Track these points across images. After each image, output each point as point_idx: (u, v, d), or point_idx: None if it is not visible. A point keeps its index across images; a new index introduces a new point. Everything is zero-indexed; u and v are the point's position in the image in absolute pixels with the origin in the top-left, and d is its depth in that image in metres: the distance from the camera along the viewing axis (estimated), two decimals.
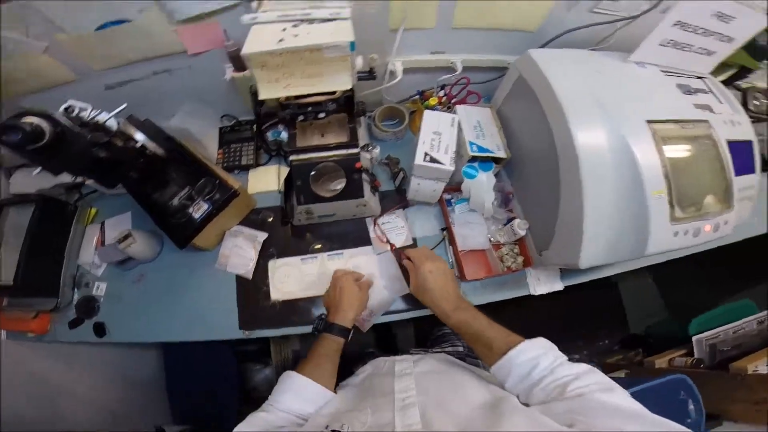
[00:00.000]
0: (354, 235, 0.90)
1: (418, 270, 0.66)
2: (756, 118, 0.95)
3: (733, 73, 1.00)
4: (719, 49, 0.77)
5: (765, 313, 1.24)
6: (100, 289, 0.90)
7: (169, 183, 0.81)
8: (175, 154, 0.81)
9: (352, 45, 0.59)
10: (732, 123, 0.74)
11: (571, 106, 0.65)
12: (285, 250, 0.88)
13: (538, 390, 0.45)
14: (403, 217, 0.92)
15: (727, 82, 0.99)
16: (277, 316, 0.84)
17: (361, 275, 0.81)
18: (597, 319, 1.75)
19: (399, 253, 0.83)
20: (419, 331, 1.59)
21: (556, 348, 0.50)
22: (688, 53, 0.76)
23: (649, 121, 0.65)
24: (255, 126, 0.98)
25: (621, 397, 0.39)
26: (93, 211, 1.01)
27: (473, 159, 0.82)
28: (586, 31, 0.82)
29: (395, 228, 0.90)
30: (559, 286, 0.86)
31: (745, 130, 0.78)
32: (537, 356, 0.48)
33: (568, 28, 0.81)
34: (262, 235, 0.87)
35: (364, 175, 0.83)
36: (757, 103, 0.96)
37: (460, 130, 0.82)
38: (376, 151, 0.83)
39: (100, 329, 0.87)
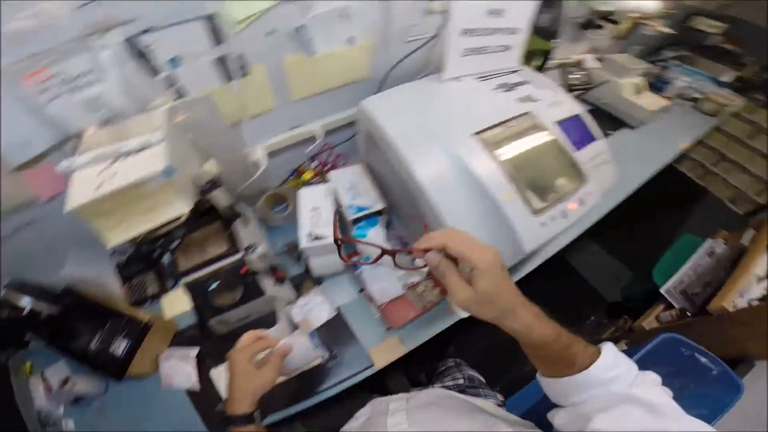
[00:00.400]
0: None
1: (487, 259, 0.40)
2: (582, 89, 1.05)
3: (542, 58, 1.11)
4: (511, 42, 0.85)
5: (708, 243, 1.32)
6: (68, 424, 0.85)
7: (80, 331, 0.80)
8: (72, 306, 0.80)
9: (168, 170, 0.56)
10: (555, 104, 0.81)
11: (405, 144, 0.69)
12: (221, 356, 0.86)
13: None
14: (321, 293, 0.91)
15: (542, 68, 1.09)
16: None
17: (266, 346, 0.61)
18: (574, 302, 1.78)
19: (411, 251, 0.45)
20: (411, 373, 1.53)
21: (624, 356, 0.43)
22: (489, 55, 0.84)
23: (476, 133, 0.70)
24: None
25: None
26: (27, 365, 0.94)
27: (358, 219, 0.83)
28: (411, 61, 0.89)
29: (316, 306, 0.89)
30: None
31: (569, 107, 0.85)
32: (615, 364, 0.41)
33: (391, 66, 0.88)
34: (194, 350, 0.87)
35: (258, 276, 0.82)
36: (573, 76, 1.07)
37: (337, 197, 0.85)
38: (260, 249, 0.81)
39: None
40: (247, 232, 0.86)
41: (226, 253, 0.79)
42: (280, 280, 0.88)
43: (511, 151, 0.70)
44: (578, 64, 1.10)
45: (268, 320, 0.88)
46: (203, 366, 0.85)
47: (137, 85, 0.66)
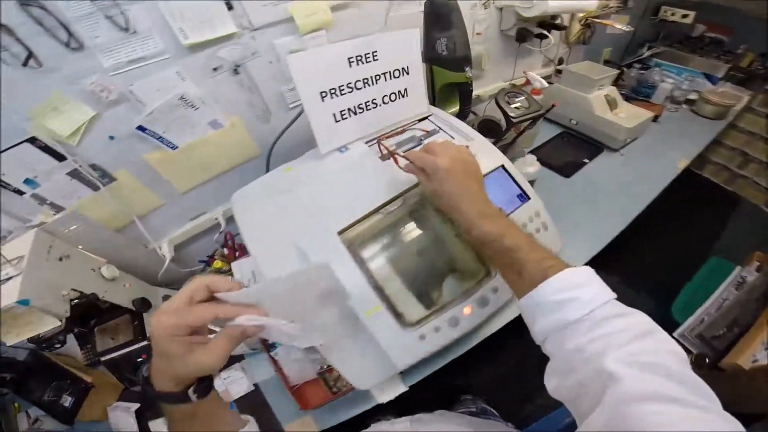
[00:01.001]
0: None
1: (434, 165, 0.49)
2: (529, 119, 0.83)
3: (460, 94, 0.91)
4: (405, 84, 0.71)
5: (736, 271, 1.03)
6: None
7: (37, 387, 0.90)
8: (35, 366, 0.89)
9: (23, 302, 0.59)
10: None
11: (260, 252, 0.60)
12: (157, 412, 0.94)
13: (570, 333, 0.34)
14: (240, 369, 0.92)
15: (464, 106, 0.90)
16: None
17: (215, 316, 0.35)
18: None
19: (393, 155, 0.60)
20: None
21: (602, 282, 0.37)
22: (379, 109, 0.70)
23: (339, 233, 0.59)
24: None
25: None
26: (16, 405, 1.05)
27: None
28: (303, 128, 0.78)
29: (236, 380, 0.91)
30: (402, 388, 0.78)
31: (492, 156, 0.70)
32: (577, 285, 0.36)
33: (273, 140, 0.78)
34: (134, 405, 0.95)
35: None
36: (514, 106, 0.84)
37: None
38: None
39: None
40: None
41: (132, 342, 0.83)
42: None
43: (386, 248, 0.59)
44: (519, 89, 0.87)
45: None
46: (142, 418, 0.93)
47: (11, 204, 0.68)
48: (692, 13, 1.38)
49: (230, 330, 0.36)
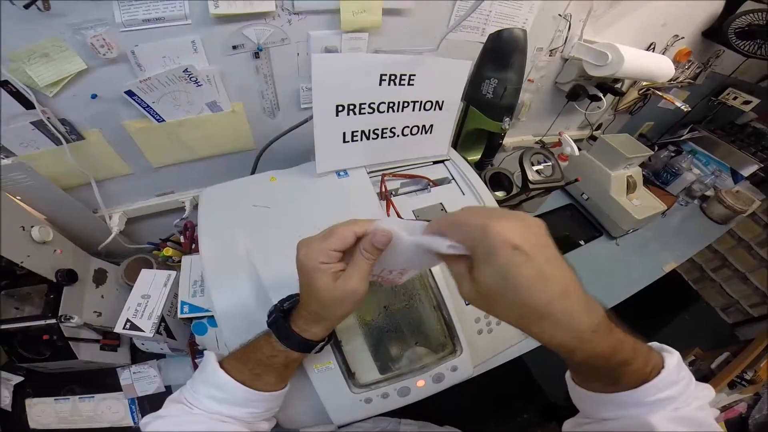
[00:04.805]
0: (105, 382, 0.83)
1: (496, 240, 0.26)
2: (545, 188, 0.77)
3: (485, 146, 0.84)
4: (432, 119, 0.64)
5: None
6: None
7: None
8: None
9: None
10: None
11: (209, 260, 0.53)
12: (41, 392, 0.88)
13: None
14: (156, 367, 0.83)
15: (485, 157, 0.83)
16: None
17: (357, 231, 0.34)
18: (508, 393, 1.48)
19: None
20: None
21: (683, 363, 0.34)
22: (395, 140, 0.63)
23: None
24: None
25: None
26: None
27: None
28: (305, 137, 0.70)
29: (146, 377, 0.83)
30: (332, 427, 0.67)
31: None
32: (671, 384, 0.31)
33: (271, 138, 0.70)
34: (17, 379, 0.87)
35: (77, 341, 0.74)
36: (537, 168, 0.78)
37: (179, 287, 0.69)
38: (75, 320, 0.71)
39: None
40: (76, 297, 0.76)
41: (39, 316, 0.71)
42: (109, 347, 0.81)
43: None
44: (548, 150, 0.81)
45: (97, 376, 0.84)
46: (21, 393, 0.86)
47: None
48: (755, 102, 1.28)
49: (361, 247, 0.34)
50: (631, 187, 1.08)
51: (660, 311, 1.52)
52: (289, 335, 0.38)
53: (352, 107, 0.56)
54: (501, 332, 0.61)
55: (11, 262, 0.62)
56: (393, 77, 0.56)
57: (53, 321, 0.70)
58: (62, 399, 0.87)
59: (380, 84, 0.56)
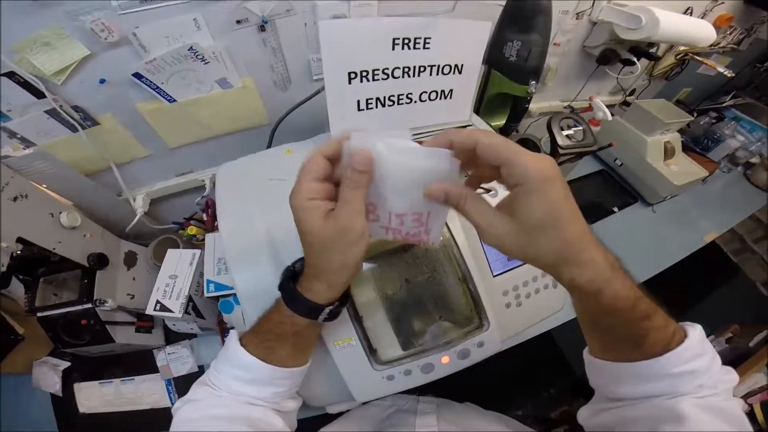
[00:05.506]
0: (144, 364, 0.88)
1: (532, 178, 0.25)
2: (576, 154, 0.71)
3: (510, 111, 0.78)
4: (452, 84, 0.59)
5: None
6: None
7: None
8: None
9: None
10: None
11: (229, 239, 0.52)
12: (87, 376, 0.95)
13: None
14: (188, 347, 0.86)
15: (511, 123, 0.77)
16: (91, 426, 0.86)
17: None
18: (537, 363, 1.46)
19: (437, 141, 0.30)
20: None
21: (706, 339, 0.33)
22: (412, 105, 0.59)
23: None
24: None
25: None
26: None
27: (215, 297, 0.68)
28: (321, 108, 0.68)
29: (180, 357, 0.86)
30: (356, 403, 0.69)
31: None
32: (696, 355, 0.31)
33: (285, 112, 0.67)
34: (64, 364, 0.93)
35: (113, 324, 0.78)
36: (567, 133, 0.72)
37: (204, 265, 0.70)
38: (109, 303, 0.74)
39: None
40: (109, 281, 0.79)
41: (76, 301, 0.74)
42: (143, 329, 0.84)
43: (377, 274, 0.50)
44: (578, 115, 0.75)
45: (134, 359, 0.88)
46: (69, 378, 0.91)
47: None
48: None
49: (346, 176, 0.29)
50: (669, 153, 1.02)
51: (695, 284, 1.45)
52: (294, 297, 0.35)
53: (365, 74, 0.53)
54: (531, 306, 0.58)
55: (44, 249, 0.64)
56: (407, 41, 0.52)
57: (89, 305, 0.73)
58: (106, 382, 0.91)
59: (393, 48, 0.52)
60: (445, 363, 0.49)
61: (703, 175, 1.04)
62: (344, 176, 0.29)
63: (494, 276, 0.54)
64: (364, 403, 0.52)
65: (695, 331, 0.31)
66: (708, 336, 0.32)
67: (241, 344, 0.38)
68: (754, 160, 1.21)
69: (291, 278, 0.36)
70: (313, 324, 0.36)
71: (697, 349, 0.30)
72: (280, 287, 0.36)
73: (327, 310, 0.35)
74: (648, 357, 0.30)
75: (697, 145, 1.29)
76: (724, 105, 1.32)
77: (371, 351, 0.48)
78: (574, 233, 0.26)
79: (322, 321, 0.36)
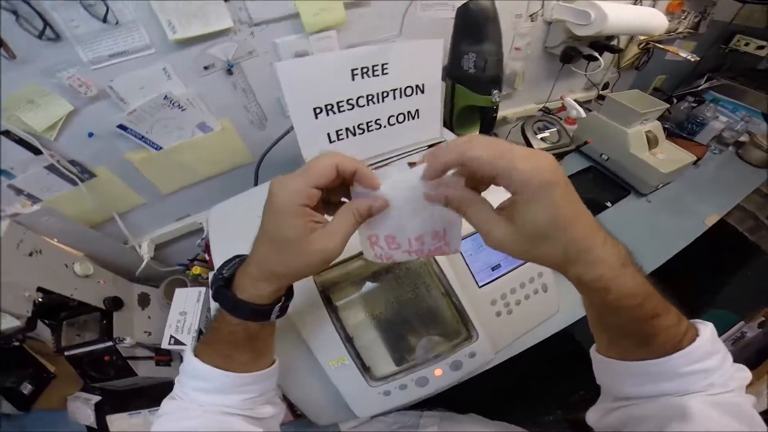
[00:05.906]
0: (166, 395, 0.92)
1: (526, 185, 0.25)
2: (556, 155, 0.71)
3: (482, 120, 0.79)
4: (419, 104, 0.61)
5: (738, 326, 0.90)
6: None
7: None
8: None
9: None
10: None
11: None
12: (117, 408, 0.99)
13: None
14: None
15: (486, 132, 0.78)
16: None
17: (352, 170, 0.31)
18: (559, 372, 1.38)
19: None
20: None
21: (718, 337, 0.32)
22: (385, 130, 0.61)
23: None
24: None
25: None
26: None
27: None
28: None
29: None
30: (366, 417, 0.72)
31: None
32: (707, 354, 0.30)
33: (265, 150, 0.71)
34: (95, 398, 0.97)
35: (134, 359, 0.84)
36: (543, 135, 0.72)
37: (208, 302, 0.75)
38: (128, 341, 0.80)
39: None
40: (126, 320, 0.85)
41: (97, 340, 0.80)
42: (162, 363, 0.89)
43: (365, 296, 0.53)
44: (552, 116, 0.75)
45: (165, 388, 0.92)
46: (101, 411, 0.95)
47: None
48: None
49: (355, 205, 0.31)
50: (652, 142, 1.02)
51: (717, 270, 1.37)
52: (237, 305, 0.32)
53: (329, 107, 0.55)
54: (523, 312, 0.59)
55: (63, 296, 0.69)
56: (365, 70, 0.54)
57: (110, 343, 0.79)
58: (135, 413, 0.98)
59: (353, 79, 0.54)
60: (439, 375, 0.50)
61: (691, 159, 1.02)
62: (355, 209, 0.30)
63: (480, 287, 0.56)
64: (372, 419, 0.54)
65: (707, 329, 0.30)
66: (738, 323, 0.31)
67: (196, 355, 0.36)
68: (743, 138, 1.20)
69: (225, 286, 0.34)
70: (266, 325, 0.35)
71: (708, 347, 0.30)
72: (217, 298, 0.34)
73: (276, 308, 0.34)
74: (658, 356, 0.29)
75: (682, 130, 1.27)
76: (699, 88, 1.32)
77: (365, 369, 0.50)
78: (579, 234, 0.26)
79: (275, 319, 0.35)
